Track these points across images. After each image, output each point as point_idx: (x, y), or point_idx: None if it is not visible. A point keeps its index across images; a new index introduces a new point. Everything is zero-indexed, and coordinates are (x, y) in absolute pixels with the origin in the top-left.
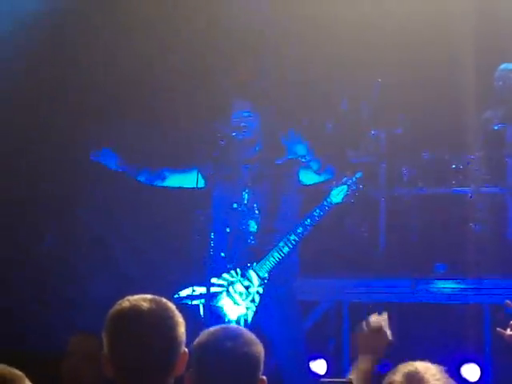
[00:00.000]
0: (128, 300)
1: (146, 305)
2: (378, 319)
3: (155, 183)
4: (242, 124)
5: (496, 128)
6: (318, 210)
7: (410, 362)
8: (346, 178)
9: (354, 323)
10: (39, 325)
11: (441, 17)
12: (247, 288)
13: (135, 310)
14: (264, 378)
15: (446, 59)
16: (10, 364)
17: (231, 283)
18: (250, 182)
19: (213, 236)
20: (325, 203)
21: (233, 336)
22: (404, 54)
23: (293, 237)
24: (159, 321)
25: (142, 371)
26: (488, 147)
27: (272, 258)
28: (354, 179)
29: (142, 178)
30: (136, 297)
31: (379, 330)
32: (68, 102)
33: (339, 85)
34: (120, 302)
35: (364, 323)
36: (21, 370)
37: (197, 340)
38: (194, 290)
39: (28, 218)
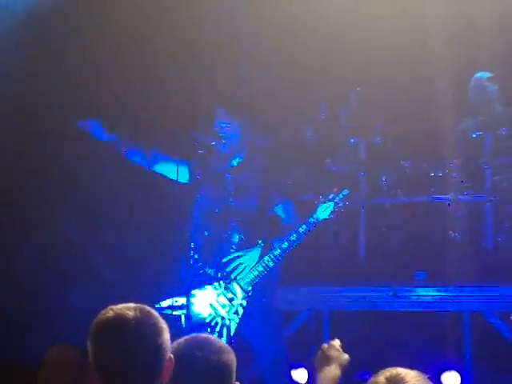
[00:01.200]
0: (112, 309)
1: (130, 313)
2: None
3: (142, 163)
4: (221, 134)
5: (474, 136)
6: (304, 226)
7: (392, 368)
8: (332, 195)
9: (335, 331)
10: (19, 335)
11: (421, 26)
12: (231, 300)
13: (120, 319)
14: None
15: (424, 68)
16: None
17: (215, 294)
18: (233, 192)
19: (193, 246)
20: (311, 219)
21: (202, 345)
22: (383, 63)
23: (278, 251)
24: (144, 328)
25: (128, 379)
26: (466, 155)
27: (256, 272)
28: (340, 196)
29: (130, 155)
30: (120, 306)
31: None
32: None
33: (318, 93)
34: (104, 311)
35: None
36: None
37: (174, 348)
38: (175, 301)
39: (7, 227)
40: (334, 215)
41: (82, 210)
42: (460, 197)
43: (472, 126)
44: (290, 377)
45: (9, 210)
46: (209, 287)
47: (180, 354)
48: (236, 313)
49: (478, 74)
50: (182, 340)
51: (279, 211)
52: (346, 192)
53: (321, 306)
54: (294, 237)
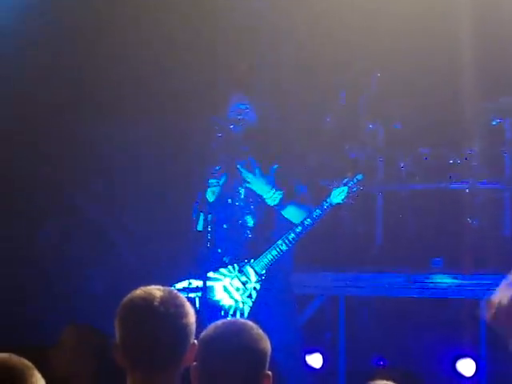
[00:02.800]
0: (141, 289)
1: (158, 293)
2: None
3: None
4: (239, 117)
5: (494, 123)
6: (317, 210)
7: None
8: (346, 179)
9: (350, 317)
10: (38, 318)
11: (441, 10)
12: (244, 284)
13: (148, 298)
14: (269, 373)
15: (444, 54)
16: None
17: (229, 278)
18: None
19: (210, 230)
20: (324, 204)
21: (239, 330)
22: (402, 48)
23: (291, 235)
24: (171, 308)
25: (151, 358)
26: (486, 142)
27: (270, 256)
28: (354, 180)
29: None
30: (149, 287)
31: None
32: (68, 94)
33: (337, 78)
34: (133, 290)
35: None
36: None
37: (203, 333)
38: (190, 283)
39: (25, 210)
40: (347, 200)
41: (100, 194)
42: (478, 184)
43: (492, 112)
44: (305, 362)
45: (26, 195)
46: (223, 270)
47: (216, 336)
48: (250, 296)
49: None
50: (219, 323)
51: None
52: (360, 177)
53: (336, 291)
54: (308, 221)
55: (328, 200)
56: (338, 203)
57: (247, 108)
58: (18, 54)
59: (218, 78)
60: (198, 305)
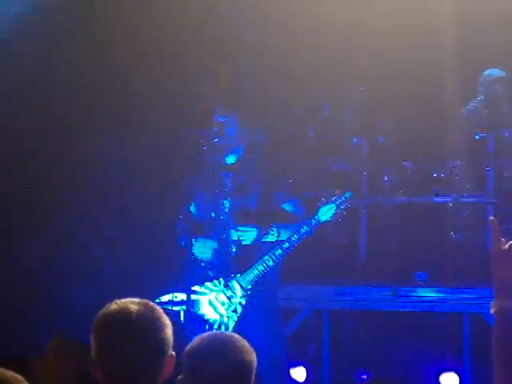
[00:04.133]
0: (116, 303)
1: (134, 307)
2: None
3: None
4: (222, 129)
5: (477, 137)
6: (305, 227)
7: None
8: (335, 197)
9: (334, 330)
10: (20, 331)
11: (424, 23)
12: (230, 298)
13: (123, 312)
14: None
15: (428, 68)
16: None
17: (214, 292)
18: (232, 190)
19: (194, 241)
20: (312, 221)
21: (225, 342)
22: (386, 61)
23: (278, 251)
24: (147, 322)
25: (128, 373)
26: (469, 156)
27: (256, 271)
28: (343, 198)
29: None
30: (125, 300)
31: None
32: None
33: (321, 91)
34: (108, 305)
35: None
36: None
37: (189, 345)
38: (175, 296)
39: (9, 223)
40: (335, 217)
41: (83, 208)
42: (462, 198)
43: (475, 126)
44: (289, 375)
45: (11, 207)
46: (209, 284)
47: (201, 348)
48: (235, 311)
49: (487, 72)
50: (205, 335)
51: (287, 207)
52: (348, 194)
53: (320, 305)
54: (295, 237)
55: (316, 217)
56: (326, 221)
57: (227, 121)
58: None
59: (203, 91)
60: (182, 318)
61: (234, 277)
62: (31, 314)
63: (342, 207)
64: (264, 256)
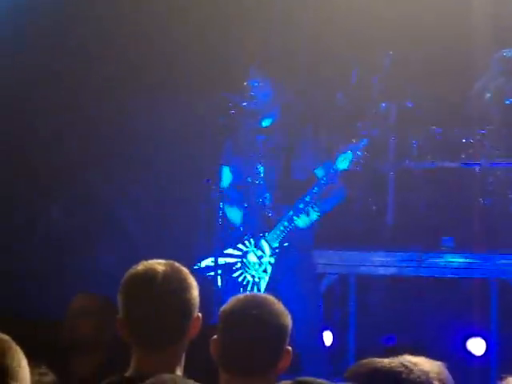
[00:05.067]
0: (142, 263)
1: (160, 267)
2: None
3: None
4: (252, 93)
5: (508, 102)
6: (324, 178)
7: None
8: (351, 145)
9: (360, 295)
10: (47, 294)
11: None
12: (260, 258)
13: (150, 273)
14: (290, 348)
15: (457, 31)
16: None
17: (246, 253)
18: (266, 154)
19: (226, 208)
20: (331, 170)
21: (260, 304)
22: (416, 26)
23: (301, 205)
24: (173, 282)
25: (154, 333)
26: (499, 122)
27: (282, 227)
28: (360, 145)
29: None
30: (150, 261)
31: None
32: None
33: (350, 56)
34: (135, 265)
35: None
36: (28, 338)
37: (224, 306)
38: (212, 261)
39: (34, 188)
40: (353, 166)
41: (111, 171)
42: (491, 163)
43: (506, 92)
44: (323, 340)
45: (35, 169)
46: (241, 246)
47: (236, 310)
48: (265, 271)
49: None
50: (240, 296)
51: (319, 171)
52: (364, 142)
53: (347, 269)
54: (315, 189)
55: (334, 167)
56: (344, 169)
57: (260, 84)
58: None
59: (230, 54)
60: (219, 282)
61: (263, 236)
62: (57, 278)
63: (358, 154)
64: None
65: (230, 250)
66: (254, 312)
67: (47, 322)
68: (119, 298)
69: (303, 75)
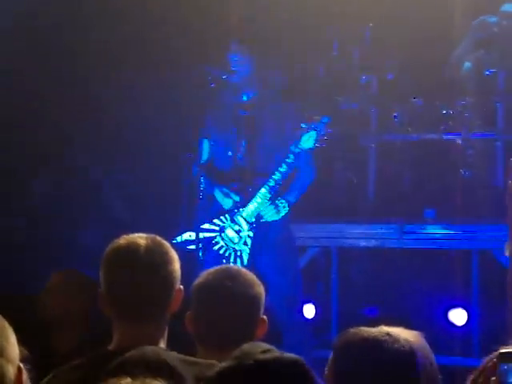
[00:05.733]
0: (124, 237)
1: (142, 241)
2: None
3: None
4: (233, 68)
5: (487, 73)
6: (291, 156)
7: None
8: (314, 123)
9: (343, 268)
10: (27, 268)
11: None
12: (238, 232)
13: (132, 247)
14: (265, 317)
15: (439, 2)
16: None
17: (223, 228)
18: (246, 129)
19: (202, 180)
20: (296, 149)
21: (233, 276)
22: None
23: (272, 183)
24: (155, 255)
25: (138, 306)
26: (479, 93)
27: (256, 203)
28: (321, 124)
29: None
30: (132, 235)
31: None
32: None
33: (330, 28)
34: (116, 240)
35: None
36: (5, 313)
37: (197, 280)
38: (189, 236)
39: (19, 161)
40: (318, 144)
41: (95, 147)
42: (471, 135)
43: (485, 62)
44: (302, 313)
45: (22, 144)
46: (217, 221)
47: (209, 283)
48: (245, 243)
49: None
50: (212, 270)
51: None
52: (325, 119)
53: (329, 242)
54: (284, 168)
55: (299, 146)
56: (310, 148)
57: (240, 59)
58: None
59: (209, 28)
60: (199, 256)
61: (238, 211)
62: (38, 253)
63: (322, 132)
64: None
65: (206, 225)
66: (226, 284)
67: (26, 297)
68: (101, 272)
69: (283, 49)
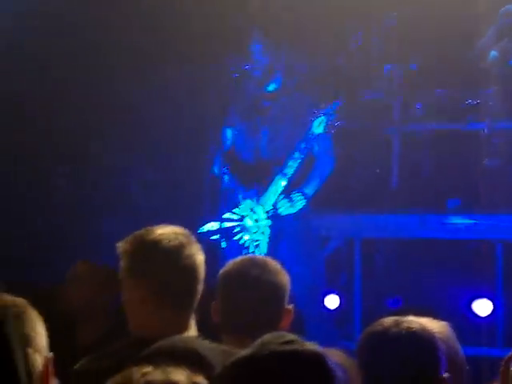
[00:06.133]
0: (151, 230)
1: (166, 231)
2: None
3: None
4: (256, 58)
5: (511, 64)
6: (303, 143)
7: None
8: (324, 109)
9: (366, 258)
10: (51, 259)
11: None
12: (256, 221)
13: (155, 237)
14: (290, 307)
15: None
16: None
17: (243, 217)
18: (269, 119)
19: (226, 170)
20: (309, 135)
21: (258, 264)
22: None
23: (286, 170)
24: (179, 247)
25: (166, 296)
26: (504, 82)
27: (273, 191)
28: (330, 109)
29: None
30: (160, 227)
31: None
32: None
33: (354, 18)
34: (145, 230)
35: None
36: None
37: (222, 269)
38: (214, 226)
39: (38, 154)
40: (329, 129)
41: (119, 137)
42: (496, 125)
43: (510, 51)
44: (323, 301)
45: (48, 132)
46: (237, 210)
47: (235, 272)
48: (264, 233)
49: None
50: (237, 259)
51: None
52: (336, 104)
53: (352, 233)
54: (296, 154)
55: (310, 132)
56: (321, 133)
57: (263, 49)
58: None
59: (232, 19)
60: (221, 246)
61: (257, 201)
62: (60, 243)
63: (331, 118)
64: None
65: (227, 215)
66: (252, 272)
67: (50, 287)
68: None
69: (306, 39)
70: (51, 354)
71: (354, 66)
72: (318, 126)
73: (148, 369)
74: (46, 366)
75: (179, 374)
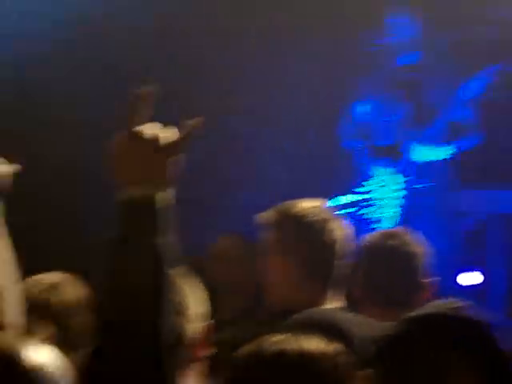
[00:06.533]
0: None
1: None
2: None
3: None
4: (393, 31)
5: None
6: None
7: None
8: (481, 72)
9: (508, 234)
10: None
11: None
12: (389, 193)
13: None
14: (430, 280)
15: None
16: None
17: (373, 191)
18: (408, 93)
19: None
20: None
21: (394, 235)
22: None
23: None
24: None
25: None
26: None
27: (405, 164)
28: (488, 72)
29: None
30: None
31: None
32: None
33: None
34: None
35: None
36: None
37: (362, 243)
38: (347, 199)
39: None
40: (486, 93)
41: (249, 110)
42: None
43: None
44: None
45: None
46: (369, 183)
47: (371, 243)
48: (395, 207)
49: None
50: (376, 232)
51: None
52: (494, 68)
53: (494, 209)
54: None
55: (465, 94)
56: (476, 97)
57: (400, 22)
58: None
59: None
60: (352, 220)
61: (390, 173)
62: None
63: (488, 82)
64: None
65: (360, 188)
66: (390, 243)
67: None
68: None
69: (447, 10)
70: (212, 322)
71: (498, 37)
72: (474, 89)
73: (281, 337)
74: (200, 334)
75: (313, 343)
